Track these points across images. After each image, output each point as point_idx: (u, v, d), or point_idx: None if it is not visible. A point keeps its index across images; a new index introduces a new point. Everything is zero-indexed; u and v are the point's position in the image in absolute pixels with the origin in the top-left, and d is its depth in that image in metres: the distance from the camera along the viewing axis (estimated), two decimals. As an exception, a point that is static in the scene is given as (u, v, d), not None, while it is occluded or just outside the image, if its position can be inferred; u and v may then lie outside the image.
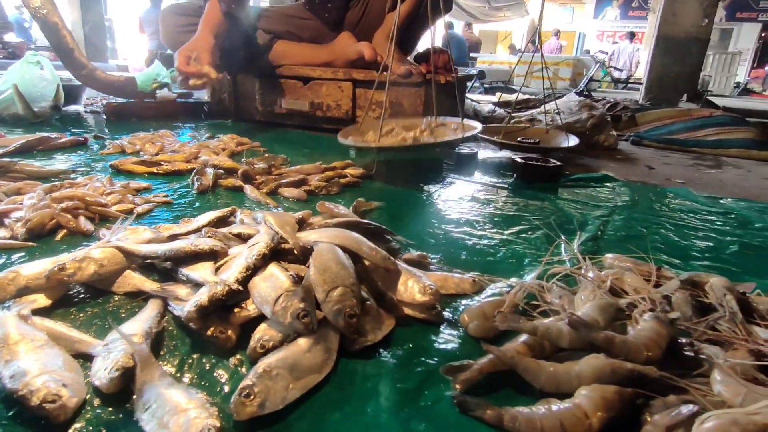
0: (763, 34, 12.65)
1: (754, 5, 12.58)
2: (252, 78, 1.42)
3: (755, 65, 13.05)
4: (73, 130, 1.22)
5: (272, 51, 1.34)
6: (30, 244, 0.57)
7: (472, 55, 6.84)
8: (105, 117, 1.46)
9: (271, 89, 1.40)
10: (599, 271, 0.52)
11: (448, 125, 1.09)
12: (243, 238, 0.54)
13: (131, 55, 11.70)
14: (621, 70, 8.03)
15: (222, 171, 0.87)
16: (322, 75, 1.33)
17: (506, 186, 0.96)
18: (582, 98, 1.57)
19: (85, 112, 1.56)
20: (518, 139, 1.28)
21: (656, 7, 11.31)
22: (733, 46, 12.31)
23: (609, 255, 0.59)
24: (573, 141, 1.29)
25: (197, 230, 0.57)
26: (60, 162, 0.93)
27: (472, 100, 1.74)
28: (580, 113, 1.47)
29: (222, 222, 0.60)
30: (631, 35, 9.07)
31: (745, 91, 9.80)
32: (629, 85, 8.57)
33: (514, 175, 1.02)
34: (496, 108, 1.66)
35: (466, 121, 1.06)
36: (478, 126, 1.03)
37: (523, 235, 0.71)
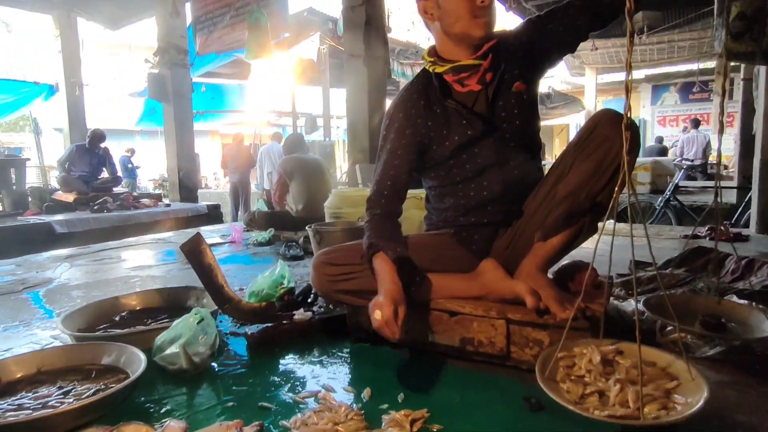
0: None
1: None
2: (393, 305, 1.41)
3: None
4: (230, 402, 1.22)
5: (422, 284, 1.32)
6: None
7: (539, 162, 6.85)
8: (248, 349, 1.48)
9: (416, 319, 1.37)
10: None
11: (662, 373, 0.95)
12: None
13: (213, 183, 12.79)
14: (692, 161, 7.76)
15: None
16: (473, 312, 1.29)
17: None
18: (747, 302, 1.42)
19: (227, 336, 1.60)
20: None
21: (720, 89, 11.17)
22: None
23: None
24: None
25: None
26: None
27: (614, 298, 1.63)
28: (754, 327, 1.32)
29: None
30: (696, 122, 8.85)
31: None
32: (708, 171, 8.18)
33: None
34: (645, 311, 1.54)
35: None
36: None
37: None
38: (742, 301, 1.47)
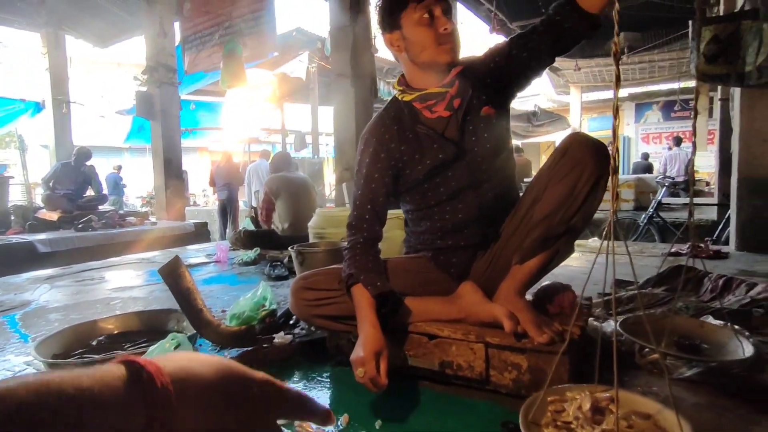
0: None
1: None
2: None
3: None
4: None
5: (401, 308, 1.32)
6: None
7: (525, 180, 6.94)
8: (228, 374, 1.46)
9: (395, 342, 1.37)
10: None
11: (638, 402, 0.94)
12: None
13: (202, 201, 12.73)
14: (672, 178, 7.96)
15: None
16: (452, 335, 1.28)
17: None
18: (722, 324, 1.44)
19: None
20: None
21: (700, 108, 11.41)
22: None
23: None
24: (748, 348, 1.16)
25: None
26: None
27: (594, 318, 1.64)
28: (730, 348, 1.34)
29: None
30: (678, 140, 9.08)
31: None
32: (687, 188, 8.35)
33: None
34: (623, 334, 1.55)
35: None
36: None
37: None
38: (718, 322, 1.49)
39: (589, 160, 1.16)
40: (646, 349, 1.42)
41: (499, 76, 1.32)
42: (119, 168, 10.91)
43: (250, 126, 10.53)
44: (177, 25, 6.02)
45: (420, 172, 1.33)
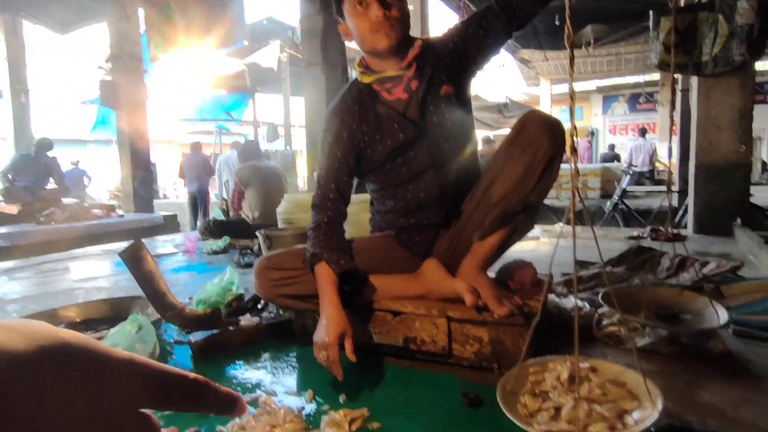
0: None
1: (759, 88, 13.07)
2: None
3: (774, 144, 13.26)
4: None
5: (366, 286, 1.34)
6: None
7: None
8: (192, 357, 1.45)
9: (359, 320, 1.39)
10: None
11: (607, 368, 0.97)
12: None
13: (173, 194, 12.45)
14: (637, 167, 8.21)
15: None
16: (415, 311, 1.31)
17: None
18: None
19: (171, 345, 1.57)
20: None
21: (664, 100, 11.73)
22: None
23: None
24: (723, 314, 1.21)
25: None
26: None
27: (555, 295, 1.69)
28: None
29: None
30: (643, 131, 9.39)
31: (775, 174, 9.75)
32: (655, 177, 8.62)
33: None
34: (585, 304, 1.60)
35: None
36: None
37: None
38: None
39: (544, 139, 1.19)
40: (604, 322, 1.47)
41: (459, 56, 1.34)
42: (77, 163, 10.51)
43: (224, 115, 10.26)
44: (141, 12, 5.85)
45: (381, 153, 1.34)
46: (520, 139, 1.22)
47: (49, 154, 5.89)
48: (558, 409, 0.86)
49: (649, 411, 0.79)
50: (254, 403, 1.14)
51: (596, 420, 0.80)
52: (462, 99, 1.36)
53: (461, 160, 1.37)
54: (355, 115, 1.34)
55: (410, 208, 1.40)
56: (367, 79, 1.32)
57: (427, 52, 1.30)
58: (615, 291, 1.49)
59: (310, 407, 1.13)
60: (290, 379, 1.30)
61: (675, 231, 3.37)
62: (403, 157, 1.34)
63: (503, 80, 13.59)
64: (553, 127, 1.21)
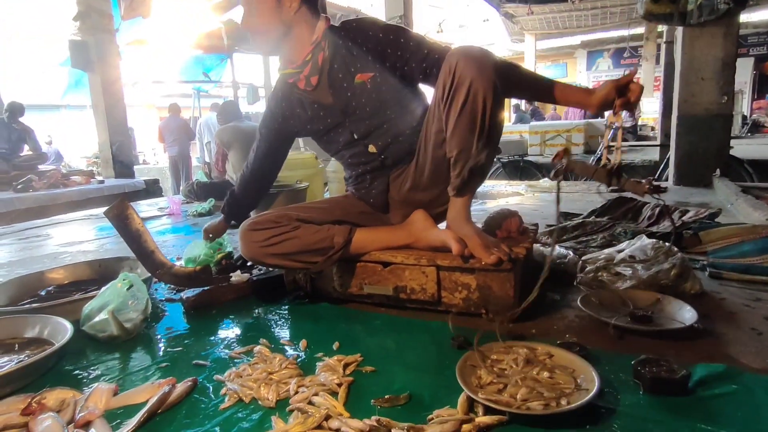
0: (754, 72, 13.08)
1: (743, 41, 13.07)
2: (328, 261, 1.43)
3: (755, 97, 13.40)
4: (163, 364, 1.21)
5: (351, 242, 1.35)
6: None
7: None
8: (184, 314, 1.46)
9: (350, 272, 1.41)
10: None
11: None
12: None
13: (153, 159, 12.18)
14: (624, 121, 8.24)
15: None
16: (405, 261, 1.33)
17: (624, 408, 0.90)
18: (654, 240, 1.55)
19: (163, 303, 1.58)
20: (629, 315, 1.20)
21: (648, 54, 11.64)
22: (731, 85, 12.81)
23: None
24: (690, 314, 1.17)
25: None
26: None
27: (541, 245, 1.73)
28: (659, 261, 1.45)
29: None
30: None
31: (754, 127, 9.86)
32: (638, 132, 8.69)
33: (641, 390, 0.95)
34: (569, 252, 1.64)
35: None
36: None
37: None
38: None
39: (478, 80, 1.14)
40: (588, 268, 1.52)
41: (387, 57, 1.31)
42: (50, 143, 10.17)
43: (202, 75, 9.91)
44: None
45: (310, 132, 1.48)
46: (456, 85, 1.17)
47: (21, 119, 5.68)
48: (506, 386, 0.92)
49: (582, 396, 0.86)
50: (250, 353, 1.17)
51: (535, 398, 0.86)
52: (384, 82, 1.32)
53: (395, 127, 1.37)
54: (288, 97, 1.45)
55: (356, 170, 1.48)
56: (281, 72, 1.42)
57: (335, 42, 1.33)
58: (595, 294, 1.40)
59: (305, 355, 1.16)
60: (284, 331, 1.33)
61: (656, 183, 3.43)
62: (328, 136, 1.45)
63: (487, 36, 13.32)
64: (483, 64, 1.15)
